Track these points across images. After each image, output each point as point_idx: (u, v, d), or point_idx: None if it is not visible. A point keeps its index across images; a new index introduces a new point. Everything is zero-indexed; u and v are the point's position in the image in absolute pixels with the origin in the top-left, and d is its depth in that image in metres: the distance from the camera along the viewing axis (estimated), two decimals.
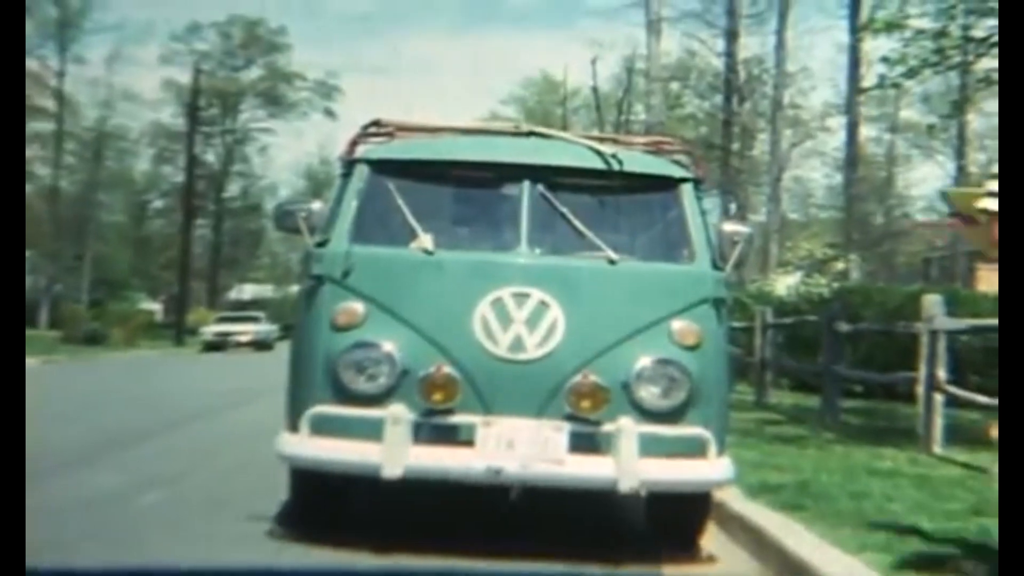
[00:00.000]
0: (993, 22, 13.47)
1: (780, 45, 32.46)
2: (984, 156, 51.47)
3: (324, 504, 5.96)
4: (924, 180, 71.80)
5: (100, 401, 16.64)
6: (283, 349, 6.32)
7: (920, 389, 10.40)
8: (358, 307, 5.51)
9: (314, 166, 75.84)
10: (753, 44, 34.83)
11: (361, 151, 6.13)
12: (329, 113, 74.40)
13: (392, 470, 5.19)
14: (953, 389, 10.44)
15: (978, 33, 13.79)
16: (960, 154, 46.81)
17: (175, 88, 68.78)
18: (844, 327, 13.22)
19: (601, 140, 6.28)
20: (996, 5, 13.24)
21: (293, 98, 75.22)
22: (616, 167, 5.98)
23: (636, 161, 6.12)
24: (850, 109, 30.95)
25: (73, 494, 7.30)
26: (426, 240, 5.61)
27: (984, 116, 45.14)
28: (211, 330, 47.68)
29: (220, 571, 3.18)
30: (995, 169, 5.04)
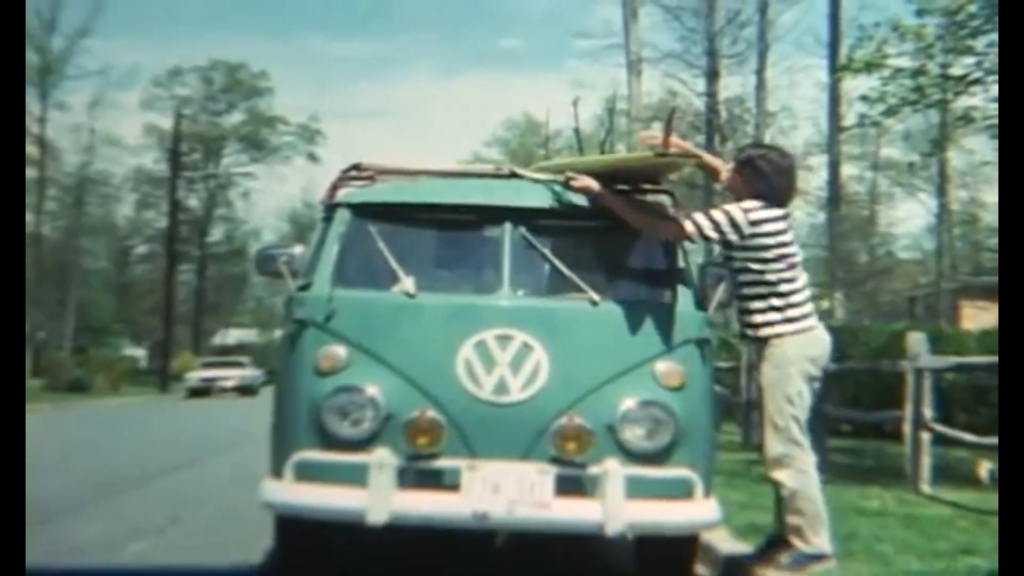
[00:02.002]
0: (970, 60, 13.58)
1: (761, 85, 32.65)
2: (965, 193, 51.86)
3: (309, 551, 5.90)
4: (907, 218, 72.17)
5: (84, 450, 16.53)
6: (269, 394, 6.27)
7: (907, 428, 10.39)
8: (341, 351, 5.47)
9: (298, 210, 75.90)
10: (734, 84, 34.95)
11: (342, 195, 6.10)
12: (312, 157, 74.51)
13: (377, 516, 5.14)
14: (940, 427, 10.43)
15: (956, 71, 13.90)
16: (941, 191, 46.98)
17: (157, 133, 68.89)
18: (831, 366, 13.19)
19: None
20: (973, 44, 13.36)
21: (275, 142, 75.30)
22: (598, 209, 5.97)
23: None
24: (832, 147, 31.11)
25: (59, 545, 7.24)
26: (408, 283, 5.58)
27: (964, 153, 45.47)
28: (196, 376, 47.53)
29: (218, 571, 3.14)
30: None
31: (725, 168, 6.42)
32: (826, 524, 6.10)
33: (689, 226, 5.89)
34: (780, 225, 6.04)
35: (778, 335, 6.06)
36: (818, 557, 6.00)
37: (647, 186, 6.24)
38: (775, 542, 6.22)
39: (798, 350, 6.06)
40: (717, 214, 5.98)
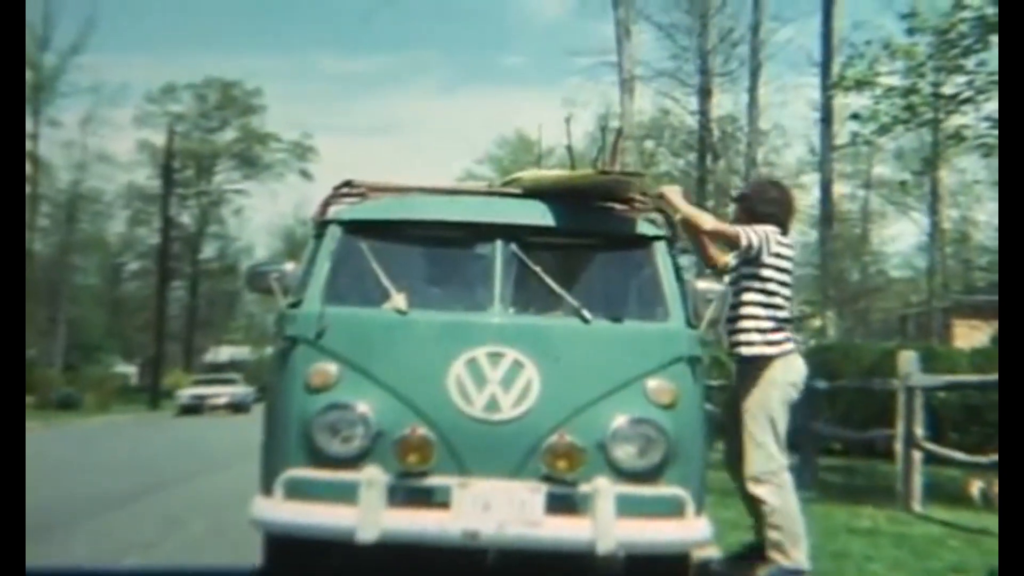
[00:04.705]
0: (961, 79, 13.63)
1: (753, 103, 32.70)
2: (956, 212, 52.00)
3: (298, 569, 5.88)
4: (899, 236, 72.29)
5: (73, 468, 16.46)
6: (260, 412, 6.26)
7: (898, 446, 10.39)
8: (332, 368, 5.46)
9: (290, 227, 75.88)
10: (726, 102, 35.07)
11: (333, 212, 6.10)
12: (304, 174, 74.51)
13: (367, 534, 5.12)
14: (931, 446, 10.43)
15: (947, 90, 13.95)
16: (933, 210, 47.08)
17: (150, 150, 68.78)
18: (822, 385, 13.22)
19: (573, 189, 6.20)
20: (964, 63, 13.41)
21: (268, 159, 75.27)
22: (589, 226, 5.99)
23: (609, 220, 6.12)
24: (824, 166, 31.11)
25: (44, 563, 7.19)
26: (399, 300, 5.57)
27: (956, 172, 45.63)
28: (187, 393, 47.36)
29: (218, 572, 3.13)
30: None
31: (712, 220, 6.71)
32: (804, 540, 6.35)
33: (744, 238, 6.33)
34: (790, 253, 6.51)
35: (767, 357, 6.39)
36: (796, 572, 6.25)
37: (639, 203, 6.24)
38: (752, 552, 6.48)
39: (783, 374, 6.42)
40: (759, 230, 6.40)
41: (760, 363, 6.39)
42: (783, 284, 6.45)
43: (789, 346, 6.47)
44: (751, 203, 6.66)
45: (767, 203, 6.61)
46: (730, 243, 6.45)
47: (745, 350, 6.42)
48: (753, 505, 6.49)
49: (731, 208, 6.93)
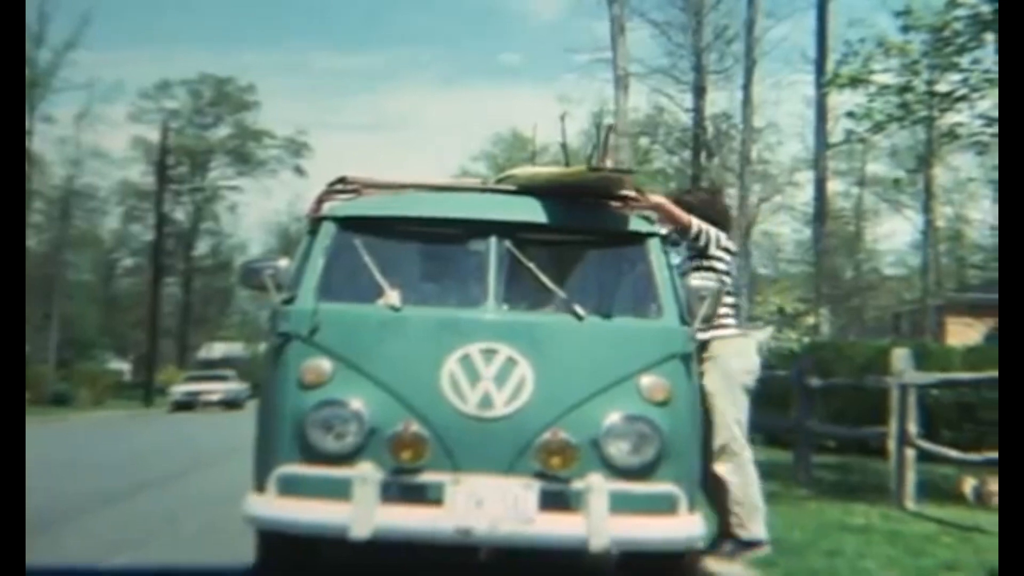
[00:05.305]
0: (956, 77, 13.62)
1: (747, 100, 32.63)
2: (950, 210, 52.07)
3: (291, 566, 5.87)
4: (893, 234, 72.43)
5: (65, 465, 16.43)
6: (254, 408, 6.25)
7: (892, 444, 10.39)
8: (325, 365, 5.45)
9: (284, 223, 75.84)
10: (721, 99, 34.96)
11: (327, 208, 6.09)
12: (298, 170, 74.57)
13: (360, 531, 5.11)
14: (924, 444, 10.44)
15: (942, 88, 13.95)
16: (927, 208, 47.14)
17: (144, 146, 68.80)
18: (815, 382, 13.22)
19: (565, 186, 6.20)
20: (959, 60, 13.40)
21: (262, 156, 75.32)
22: (583, 223, 5.98)
23: (603, 216, 6.11)
24: (818, 163, 31.17)
25: (37, 560, 7.18)
26: (393, 296, 5.56)
27: (950, 170, 45.68)
28: (180, 389, 47.38)
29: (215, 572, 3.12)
30: None
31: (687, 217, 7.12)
32: (763, 513, 6.91)
33: (695, 227, 6.84)
34: (735, 249, 7.24)
35: (720, 338, 6.90)
36: (754, 544, 6.81)
37: (633, 201, 6.24)
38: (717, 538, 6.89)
39: (740, 362, 6.98)
40: (707, 226, 6.95)
41: (712, 345, 6.85)
42: (729, 275, 6.97)
43: (735, 330, 7.10)
44: (697, 213, 6.99)
45: (717, 213, 7.19)
46: (682, 229, 6.84)
47: (708, 333, 6.69)
48: (714, 488, 6.85)
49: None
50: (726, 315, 6.87)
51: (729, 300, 6.95)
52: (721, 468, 6.74)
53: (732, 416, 6.82)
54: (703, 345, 6.67)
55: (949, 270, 53.02)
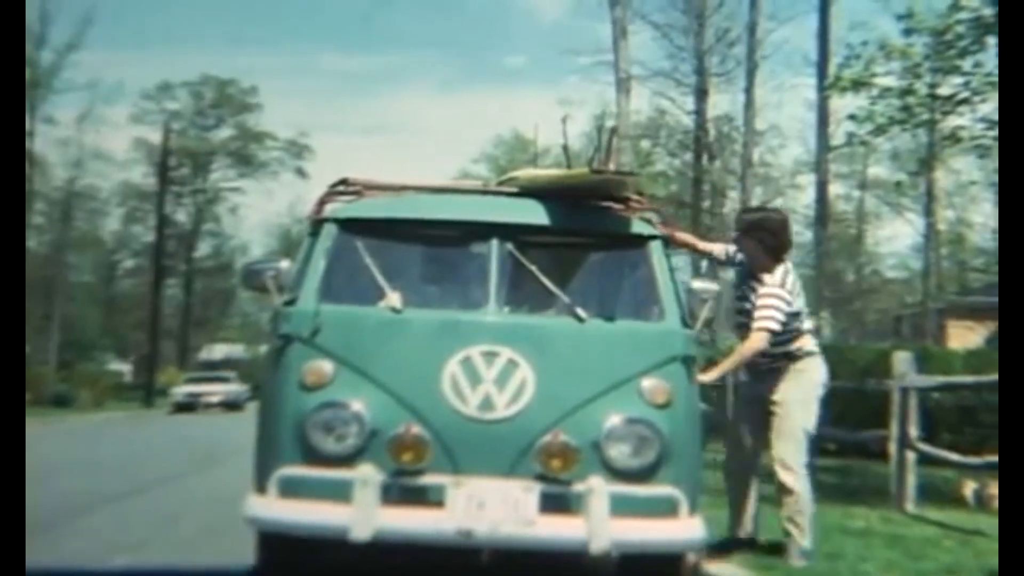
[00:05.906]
0: (958, 80, 13.63)
1: (749, 103, 32.62)
2: (952, 213, 52.02)
3: (292, 568, 5.87)
4: (894, 237, 72.38)
5: (65, 465, 16.43)
6: (254, 409, 6.25)
7: (892, 447, 10.39)
8: (326, 366, 5.45)
9: (286, 225, 75.80)
10: (723, 102, 34.97)
11: (329, 210, 6.09)
12: (300, 172, 74.55)
13: (361, 533, 5.10)
14: (925, 447, 10.43)
15: (944, 91, 13.95)
16: (929, 211, 47.10)
17: (145, 147, 68.74)
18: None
19: (567, 188, 6.19)
20: (960, 64, 13.41)
21: (264, 157, 75.29)
22: (585, 225, 5.98)
23: (605, 219, 6.11)
24: (819, 166, 31.11)
25: (37, 561, 7.18)
26: (394, 298, 5.56)
27: (952, 173, 45.63)
28: (181, 391, 47.32)
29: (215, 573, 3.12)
30: None
31: (717, 246, 7.57)
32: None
33: (768, 331, 6.88)
34: (792, 278, 7.07)
35: (810, 354, 7.13)
36: (810, 552, 6.97)
37: (635, 203, 6.23)
38: (724, 545, 7.10)
39: (820, 375, 7.16)
40: (777, 306, 6.92)
41: (811, 359, 7.14)
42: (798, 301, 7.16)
43: (818, 349, 7.27)
44: (763, 236, 7.11)
45: (785, 244, 7.20)
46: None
47: (793, 349, 7.05)
48: (740, 500, 7.26)
49: (735, 220, 7.35)
50: (809, 331, 7.23)
51: (808, 325, 7.27)
52: (788, 477, 6.97)
53: (804, 428, 7.06)
54: (791, 357, 7.05)
55: (950, 273, 52.98)
